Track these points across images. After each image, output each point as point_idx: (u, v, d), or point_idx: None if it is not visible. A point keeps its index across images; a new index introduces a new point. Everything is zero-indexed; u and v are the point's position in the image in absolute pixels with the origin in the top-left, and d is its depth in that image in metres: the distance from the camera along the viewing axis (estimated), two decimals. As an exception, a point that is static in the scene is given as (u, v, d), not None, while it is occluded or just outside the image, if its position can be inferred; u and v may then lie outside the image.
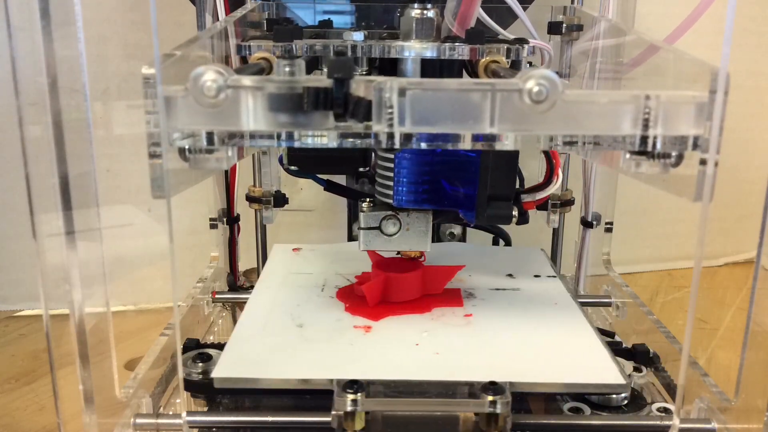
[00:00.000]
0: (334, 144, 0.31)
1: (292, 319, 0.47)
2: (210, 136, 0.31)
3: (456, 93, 0.31)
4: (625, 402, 0.44)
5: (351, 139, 0.31)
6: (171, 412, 0.44)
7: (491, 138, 0.31)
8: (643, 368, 0.48)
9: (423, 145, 0.32)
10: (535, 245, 0.63)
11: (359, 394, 0.37)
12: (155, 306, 0.78)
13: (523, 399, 0.43)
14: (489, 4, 0.46)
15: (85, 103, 0.34)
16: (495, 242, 0.64)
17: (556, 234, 0.68)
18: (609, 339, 0.53)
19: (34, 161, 0.33)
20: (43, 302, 0.34)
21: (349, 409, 0.37)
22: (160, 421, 0.40)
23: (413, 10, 0.43)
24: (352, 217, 0.64)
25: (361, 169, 0.54)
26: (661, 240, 0.89)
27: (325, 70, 0.31)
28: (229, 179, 0.64)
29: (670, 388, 0.48)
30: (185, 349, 0.48)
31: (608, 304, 0.62)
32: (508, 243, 0.63)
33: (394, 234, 0.48)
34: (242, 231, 0.67)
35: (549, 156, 0.45)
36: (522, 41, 0.44)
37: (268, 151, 0.63)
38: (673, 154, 0.32)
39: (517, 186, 0.47)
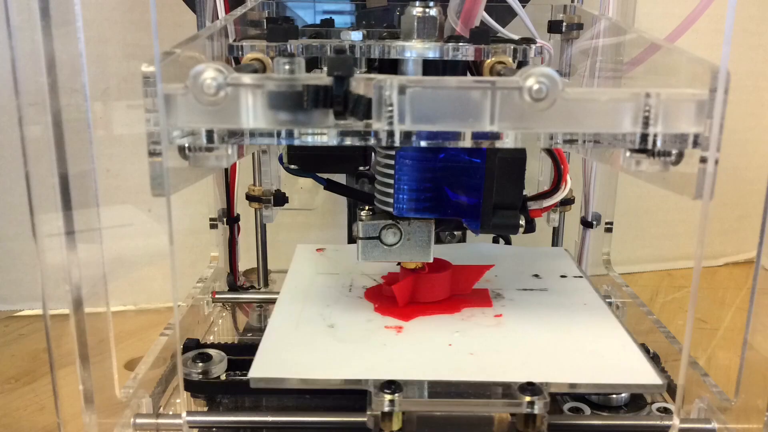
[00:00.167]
0: (334, 142, 0.31)
1: (323, 319, 0.46)
2: (210, 134, 0.31)
3: (456, 91, 0.31)
4: (625, 402, 0.44)
5: (351, 137, 0.31)
6: (171, 412, 0.44)
7: (491, 136, 0.31)
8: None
9: (423, 143, 0.31)
10: (535, 245, 0.63)
11: (397, 395, 0.37)
12: (155, 306, 0.78)
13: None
14: (488, 2, 0.45)
15: (85, 103, 0.34)
16: (495, 240, 0.64)
17: (556, 234, 0.68)
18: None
19: (34, 161, 0.33)
20: (43, 302, 0.34)
21: (386, 409, 0.37)
22: (160, 421, 0.40)
23: (414, 8, 0.42)
24: (352, 217, 0.64)
25: (361, 168, 0.54)
26: (661, 240, 0.89)
27: (325, 68, 0.31)
28: (229, 179, 0.64)
29: (670, 388, 0.48)
30: (185, 349, 0.48)
31: (608, 304, 0.62)
32: (507, 243, 0.63)
33: (395, 244, 0.46)
34: (242, 231, 0.67)
35: (556, 160, 0.44)
36: (529, 41, 0.43)
37: (268, 149, 0.63)
38: (674, 152, 0.32)
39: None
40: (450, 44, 0.40)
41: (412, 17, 0.42)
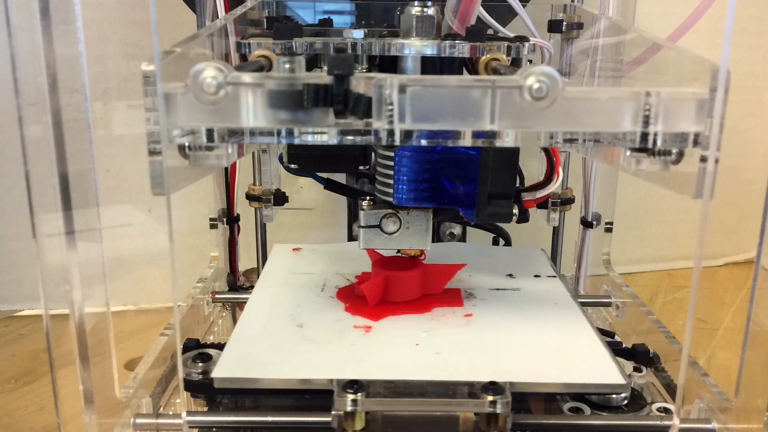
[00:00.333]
0: (334, 141, 0.31)
1: (293, 319, 0.47)
2: (210, 133, 0.31)
3: (456, 90, 0.31)
4: (625, 402, 0.44)
5: (351, 136, 0.31)
6: (171, 412, 0.44)
7: (491, 135, 0.31)
8: (643, 368, 0.48)
9: (423, 142, 0.31)
10: (535, 245, 0.63)
11: (359, 394, 0.37)
12: (155, 306, 0.78)
13: (524, 399, 0.43)
14: (488, 2, 0.46)
15: (85, 103, 0.34)
16: (495, 242, 0.64)
17: (556, 234, 0.68)
18: (609, 339, 0.53)
19: (34, 161, 0.33)
20: (43, 302, 0.34)
21: (349, 409, 0.37)
22: (160, 421, 0.40)
23: (413, 7, 0.43)
24: (352, 216, 0.64)
25: (360, 168, 0.54)
26: (661, 240, 0.89)
27: (325, 67, 0.31)
28: (229, 179, 0.64)
29: (670, 388, 0.48)
30: (185, 349, 0.48)
31: (608, 304, 0.62)
32: (508, 242, 0.63)
33: (394, 232, 0.48)
34: (242, 231, 0.67)
35: (549, 154, 0.45)
36: (522, 39, 0.44)
37: (268, 149, 0.63)
38: (674, 151, 0.32)
39: (518, 184, 0.47)
40: (447, 42, 0.42)
41: (411, 16, 0.43)
